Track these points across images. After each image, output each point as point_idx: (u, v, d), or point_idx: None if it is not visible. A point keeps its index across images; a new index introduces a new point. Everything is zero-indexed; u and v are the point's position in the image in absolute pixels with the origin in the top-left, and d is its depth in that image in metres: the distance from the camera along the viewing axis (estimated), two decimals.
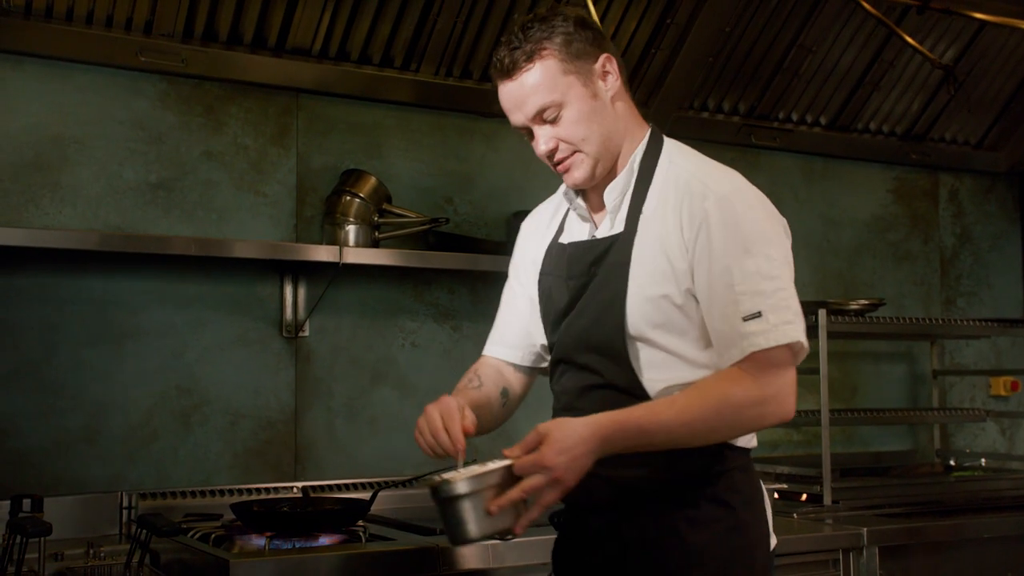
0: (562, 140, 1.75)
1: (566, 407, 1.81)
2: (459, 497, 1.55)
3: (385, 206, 2.93)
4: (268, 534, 2.19)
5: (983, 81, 3.76)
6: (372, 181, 2.92)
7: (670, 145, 1.83)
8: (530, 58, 1.72)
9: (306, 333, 2.93)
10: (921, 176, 4.03)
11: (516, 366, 2.00)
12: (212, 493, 2.67)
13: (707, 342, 1.72)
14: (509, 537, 1.63)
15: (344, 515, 2.30)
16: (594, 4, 3.00)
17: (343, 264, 2.76)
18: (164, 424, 2.74)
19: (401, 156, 3.10)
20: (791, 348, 1.65)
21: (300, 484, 2.79)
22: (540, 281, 1.90)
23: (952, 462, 3.81)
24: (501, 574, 2.31)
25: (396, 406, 3.05)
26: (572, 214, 1.90)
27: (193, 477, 2.75)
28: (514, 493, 1.56)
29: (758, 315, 1.64)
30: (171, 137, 2.80)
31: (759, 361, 1.64)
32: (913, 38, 3.35)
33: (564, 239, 1.88)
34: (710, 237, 1.67)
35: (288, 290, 2.90)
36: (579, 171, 1.77)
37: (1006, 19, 3.26)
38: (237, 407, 2.83)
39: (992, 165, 4.07)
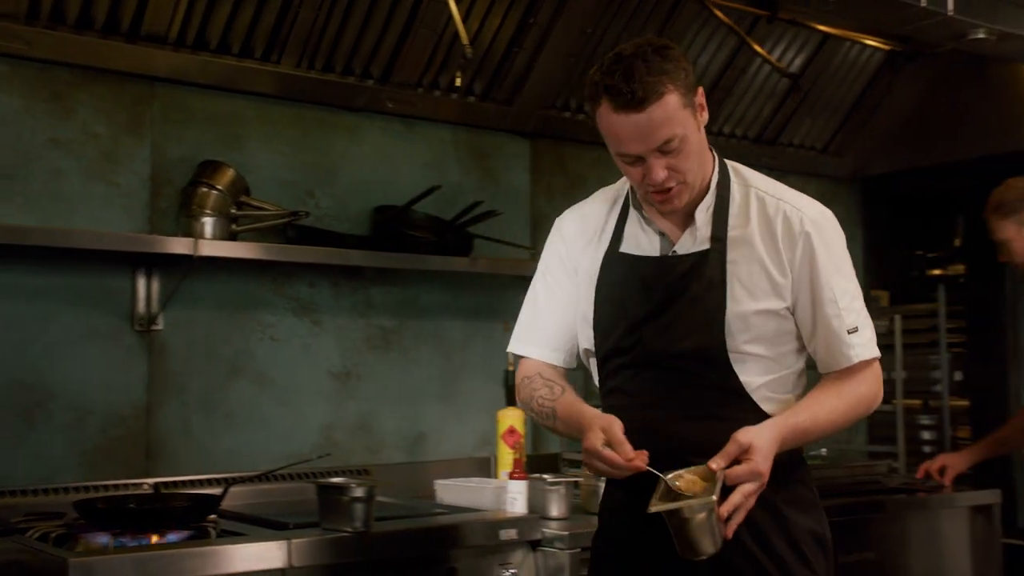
0: (673, 171, 1.83)
1: (647, 405, 1.89)
2: (695, 518, 1.69)
3: (243, 198, 2.90)
4: (114, 532, 2.14)
5: (827, 89, 3.96)
6: (230, 173, 2.87)
7: (735, 167, 1.99)
8: (660, 91, 1.78)
9: (160, 327, 2.86)
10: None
11: (555, 368, 2.06)
12: (56, 491, 2.58)
13: (792, 345, 1.94)
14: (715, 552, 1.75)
15: (193, 511, 2.26)
16: (456, 2, 3.05)
17: (198, 257, 2.71)
18: (2, 421, 2.63)
19: (261, 148, 3.06)
20: (872, 362, 1.94)
21: (151, 480, 2.73)
22: (599, 289, 1.96)
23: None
24: (350, 567, 2.32)
25: (254, 400, 3.02)
26: (631, 226, 1.98)
27: (35, 475, 2.65)
28: (737, 498, 1.73)
29: (856, 330, 1.90)
30: (13, 122, 2.69)
31: (866, 367, 1.93)
32: (763, 46, 3.51)
33: (628, 250, 1.96)
34: (813, 256, 1.89)
35: (141, 283, 2.83)
36: (679, 200, 1.88)
37: (847, 32, 3.45)
38: (85, 403, 2.75)
39: (837, 170, 4.29)
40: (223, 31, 2.85)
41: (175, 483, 2.75)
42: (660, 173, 1.82)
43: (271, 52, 2.96)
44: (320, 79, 3.06)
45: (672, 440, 1.85)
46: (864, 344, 1.91)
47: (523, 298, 3.49)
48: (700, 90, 1.89)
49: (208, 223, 2.81)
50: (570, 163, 3.70)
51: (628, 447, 1.76)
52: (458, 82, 2.99)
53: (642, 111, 1.77)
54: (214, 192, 2.82)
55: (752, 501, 1.76)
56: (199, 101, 2.95)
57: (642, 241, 1.96)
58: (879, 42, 3.68)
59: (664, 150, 1.81)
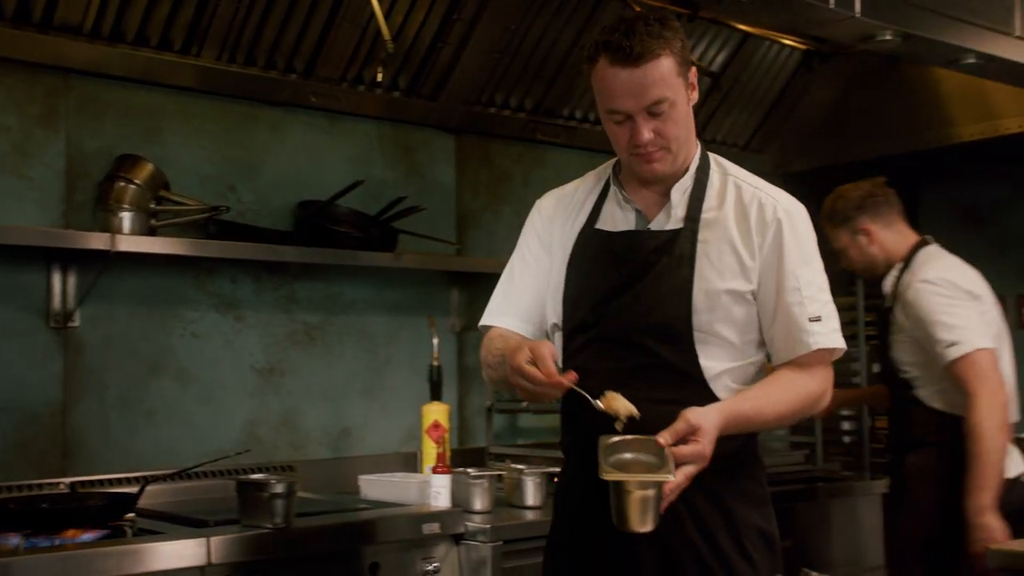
0: (659, 134, 1.88)
1: (616, 384, 1.86)
2: (644, 495, 1.70)
3: (163, 193, 2.86)
4: (26, 532, 2.10)
5: (748, 87, 4.03)
6: (149, 167, 2.83)
7: (716, 158, 2.04)
8: (656, 52, 1.83)
9: (76, 323, 2.81)
10: None
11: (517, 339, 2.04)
12: None
13: (756, 335, 1.96)
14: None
15: (108, 510, 2.23)
16: None
17: (116, 252, 2.67)
18: None
19: (182, 142, 3.03)
20: (834, 352, 1.95)
21: (68, 479, 2.68)
22: (571, 263, 1.99)
23: None
24: (270, 563, 2.31)
25: (175, 397, 2.98)
26: (609, 204, 2.01)
27: None
28: (680, 479, 1.74)
29: (819, 319, 1.92)
30: None
31: (821, 358, 1.94)
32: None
33: (603, 226, 2.00)
34: (781, 244, 1.92)
35: (56, 279, 2.78)
36: (662, 165, 1.92)
37: (765, 31, 3.52)
38: None
39: (758, 167, 4.32)
40: (140, 22, 2.80)
41: (92, 482, 2.71)
42: (646, 134, 1.87)
43: (191, 45, 2.92)
44: (242, 73, 3.03)
45: (637, 426, 1.84)
46: (826, 333, 1.93)
47: (450, 293, 3.56)
48: (694, 70, 1.94)
49: (126, 218, 2.77)
50: (496, 158, 3.72)
51: (550, 364, 1.76)
52: (379, 77, 2.99)
53: (638, 67, 1.83)
54: (132, 186, 2.78)
55: (689, 482, 1.77)
56: (116, 94, 2.90)
57: (618, 218, 2.00)
58: (796, 42, 3.77)
59: (653, 111, 1.86)
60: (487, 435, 3.50)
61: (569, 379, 1.77)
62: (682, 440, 1.76)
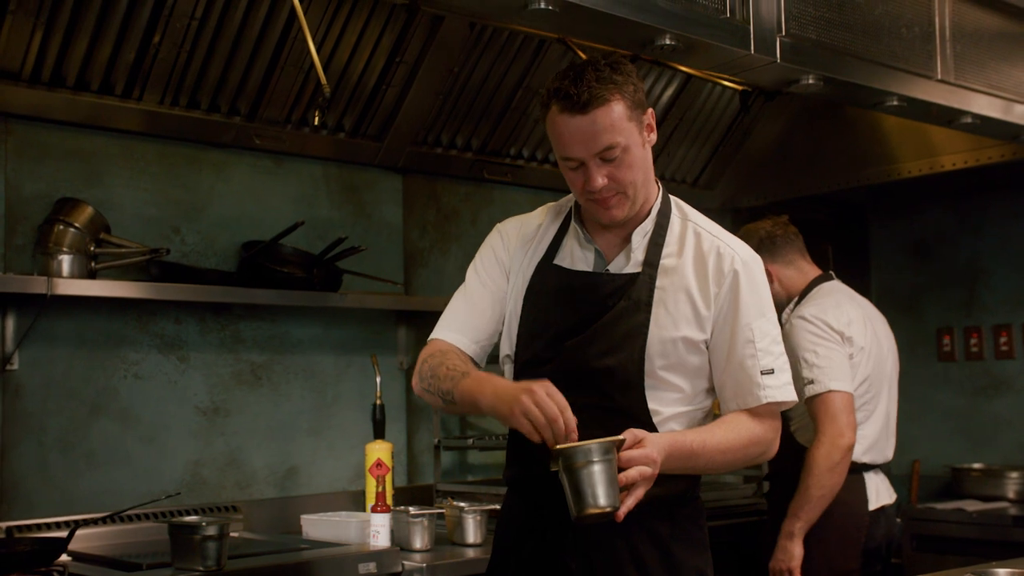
0: (613, 180, 1.89)
1: None
2: (593, 462, 1.67)
3: (103, 236, 2.88)
4: None
5: (695, 125, 4.10)
6: (88, 210, 2.85)
7: (677, 202, 2.06)
8: (606, 98, 1.84)
9: (15, 366, 2.81)
10: None
11: (470, 360, 2.04)
12: None
13: (706, 383, 1.98)
14: (609, 517, 1.74)
15: (38, 555, 2.23)
16: (322, 40, 3.09)
17: (54, 296, 2.68)
18: None
19: (124, 185, 3.05)
20: (783, 405, 1.99)
21: (5, 524, 2.68)
22: (528, 296, 2.00)
23: None
24: None
25: (117, 438, 2.98)
26: (569, 240, 2.03)
27: None
28: (633, 473, 1.73)
29: (772, 372, 1.94)
30: None
31: (770, 410, 1.97)
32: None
33: (562, 263, 2.02)
34: (737, 295, 1.94)
35: None
36: (618, 210, 1.94)
37: (708, 74, 3.59)
38: None
39: (707, 202, 4.43)
40: (81, 67, 2.83)
41: (30, 526, 2.70)
42: (599, 180, 1.88)
43: (132, 88, 2.95)
44: (185, 115, 3.06)
45: None
46: (778, 387, 1.94)
47: (397, 331, 3.57)
48: (651, 111, 1.95)
49: (65, 261, 2.78)
50: (443, 197, 3.76)
51: (571, 411, 1.74)
52: (316, 121, 3.02)
53: (586, 114, 1.84)
54: (71, 230, 2.80)
55: (644, 489, 1.76)
56: (57, 138, 2.92)
57: (577, 256, 2.02)
58: (733, 82, 3.84)
59: (605, 157, 1.87)
60: (435, 472, 3.51)
61: (575, 431, 1.75)
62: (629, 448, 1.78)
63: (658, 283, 1.94)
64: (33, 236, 2.84)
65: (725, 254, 1.96)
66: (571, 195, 2.07)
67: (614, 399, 1.92)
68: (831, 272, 3.26)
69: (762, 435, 1.97)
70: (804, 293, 3.15)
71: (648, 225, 1.98)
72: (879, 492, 3.06)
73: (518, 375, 2.01)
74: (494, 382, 1.87)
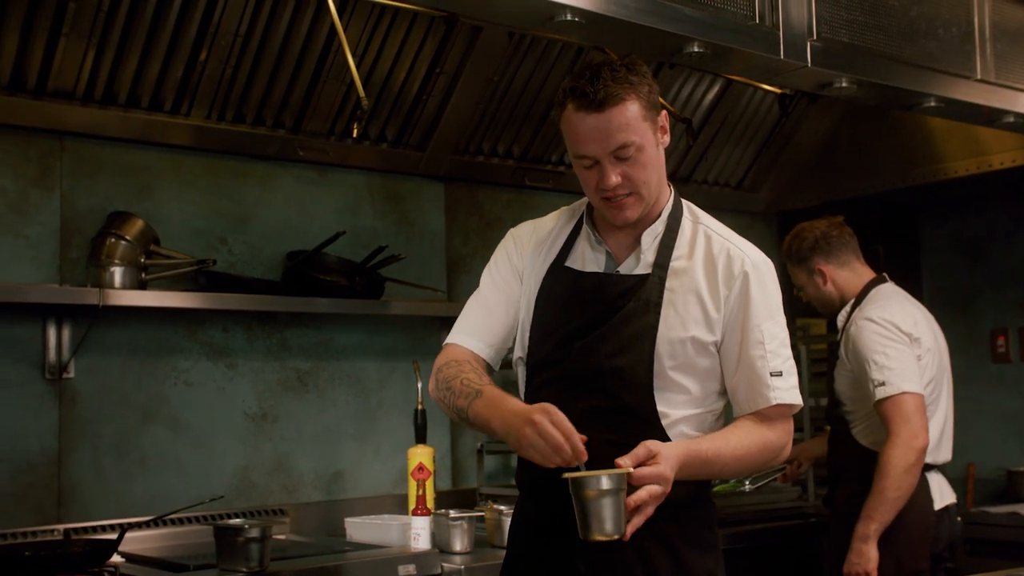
0: (627, 179, 1.91)
1: (575, 424, 1.82)
2: (602, 492, 1.70)
3: (152, 248, 2.97)
4: None
5: (737, 128, 4.09)
6: (139, 223, 2.95)
7: (689, 205, 2.07)
8: (621, 96, 1.87)
9: (71, 375, 2.92)
10: None
11: (482, 361, 2.06)
12: None
13: (717, 384, 1.98)
14: (617, 542, 1.76)
15: (90, 556, 2.32)
16: (363, 53, 3.16)
17: (105, 306, 2.79)
18: None
19: (174, 198, 3.15)
20: (792, 408, 1.98)
21: (62, 527, 2.78)
22: (539, 298, 2.03)
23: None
24: None
25: (168, 444, 3.08)
26: (581, 242, 2.05)
27: None
28: (643, 494, 1.75)
29: (780, 374, 1.94)
30: None
31: (781, 412, 1.96)
32: (671, 90, 3.64)
33: (573, 264, 2.04)
34: (748, 297, 1.94)
35: (51, 332, 2.90)
36: (632, 211, 1.95)
37: (746, 80, 3.58)
38: None
39: (752, 205, 4.42)
40: (131, 85, 2.94)
41: (85, 528, 2.81)
42: (613, 178, 1.89)
43: (181, 104, 3.05)
44: (231, 129, 3.15)
45: (591, 465, 1.85)
46: (786, 389, 1.94)
47: (440, 337, 3.62)
48: (664, 114, 1.97)
49: (117, 273, 2.89)
50: (485, 204, 3.81)
51: (577, 435, 1.74)
52: (356, 133, 3.08)
53: (602, 112, 1.86)
54: (123, 242, 2.90)
55: (653, 507, 1.77)
56: (109, 154, 3.03)
57: (588, 257, 2.03)
58: (771, 86, 3.83)
59: (620, 156, 1.89)
60: (478, 475, 3.55)
61: (583, 453, 1.75)
62: (642, 464, 1.77)
63: (668, 284, 1.95)
64: (87, 249, 2.95)
65: (735, 256, 1.97)
66: (584, 199, 2.09)
67: (623, 400, 1.92)
68: (885, 275, 3.24)
69: (775, 440, 1.97)
70: (862, 296, 3.14)
71: (659, 227, 2.00)
72: (943, 492, 3.04)
73: (529, 377, 2.03)
74: (503, 408, 1.86)
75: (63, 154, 2.96)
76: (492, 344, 2.07)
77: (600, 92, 1.86)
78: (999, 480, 4.32)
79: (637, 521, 1.76)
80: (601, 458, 1.81)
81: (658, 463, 1.77)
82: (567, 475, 1.72)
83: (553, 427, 1.75)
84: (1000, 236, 4.55)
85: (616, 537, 1.73)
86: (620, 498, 1.72)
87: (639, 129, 1.89)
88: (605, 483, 1.70)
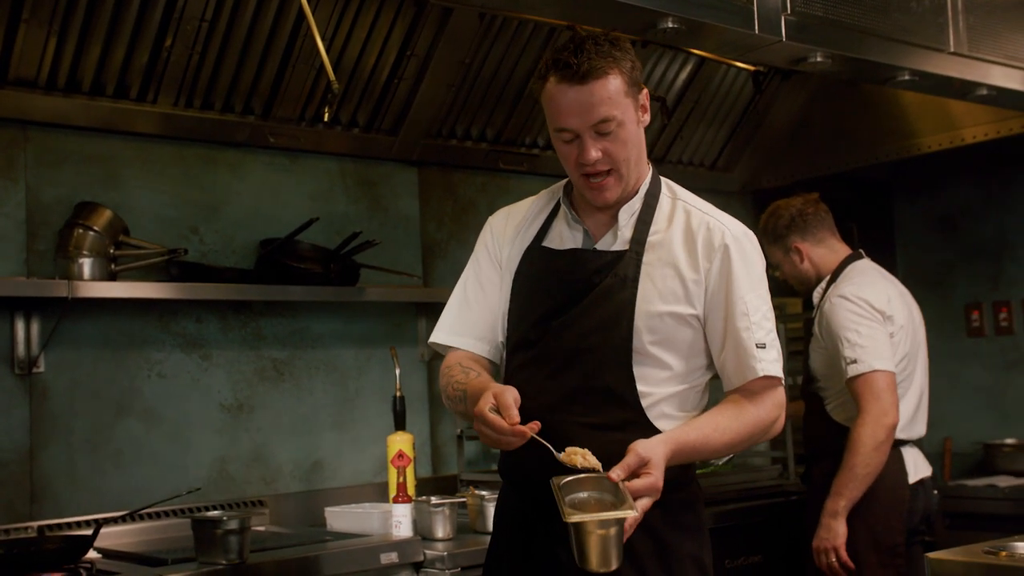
0: (607, 155, 1.89)
1: (546, 408, 1.87)
2: (599, 533, 1.67)
3: (122, 238, 2.92)
4: None
5: (711, 107, 4.08)
6: (107, 214, 2.90)
7: (668, 182, 2.05)
8: (604, 70, 1.85)
9: (41, 369, 2.87)
10: None
11: (477, 358, 2.04)
12: None
13: (703, 360, 1.96)
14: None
15: (65, 552, 2.28)
16: (332, 37, 3.11)
17: (75, 298, 2.73)
18: None
19: (142, 187, 3.09)
20: (776, 379, 1.96)
21: (36, 524, 2.73)
22: (516, 280, 2.00)
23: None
24: None
25: (143, 438, 3.03)
26: (558, 222, 2.02)
27: None
28: (639, 516, 1.72)
29: (764, 346, 1.92)
30: None
31: (768, 384, 1.93)
32: (644, 69, 3.61)
33: (550, 244, 2.01)
34: (730, 269, 1.91)
35: (20, 326, 2.84)
36: (611, 192, 1.93)
37: (719, 57, 3.56)
38: None
39: (727, 185, 4.41)
40: (95, 72, 2.87)
41: (60, 525, 2.76)
42: (593, 153, 1.87)
43: (147, 91, 2.99)
44: (199, 116, 3.10)
45: (571, 446, 1.84)
46: (770, 361, 1.92)
47: (417, 323, 3.60)
48: (646, 92, 1.95)
49: (86, 264, 2.83)
50: (459, 188, 3.77)
51: (514, 412, 1.72)
52: (327, 117, 3.04)
53: (584, 84, 1.84)
54: (91, 233, 2.84)
55: (642, 514, 1.76)
56: (75, 143, 2.97)
57: (565, 236, 2.01)
58: (745, 63, 3.81)
59: (600, 131, 1.87)
60: (459, 462, 3.53)
61: (531, 428, 1.74)
62: (634, 474, 1.75)
63: (645, 259, 1.93)
64: (54, 241, 2.89)
65: (715, 229, 1.94)
66: (563, 180, 2.07)
67: (602, 379, 1.90)
68: (860, 251, 3.24)
69: (764, 416, 1.94)
70: (837, 272, 3.14)
71: (636, 204, 1.98)
72: (917, 465, 3.06)
73: (509, 359, 2.02)
74: (471, 401, 1.86)
75: (27, 144, 2.90)
76: (482, 337, 2.06)
77: (584, 64, 1.85)
78: (976, 453, 4.36)
79: (629, 533, 1.75)
80: (582, 442, 1.80)
81: (650, 472, 1.75)
82: (570, 520, 1.68)
83: (495, 416, 1.74)
84: (973, 211, 4.58)
85: (615, 568, 1.71)
86: (619, 529, 1.70)
87: (621, 104, 1.88)
88: (602, 526, 1.68)
